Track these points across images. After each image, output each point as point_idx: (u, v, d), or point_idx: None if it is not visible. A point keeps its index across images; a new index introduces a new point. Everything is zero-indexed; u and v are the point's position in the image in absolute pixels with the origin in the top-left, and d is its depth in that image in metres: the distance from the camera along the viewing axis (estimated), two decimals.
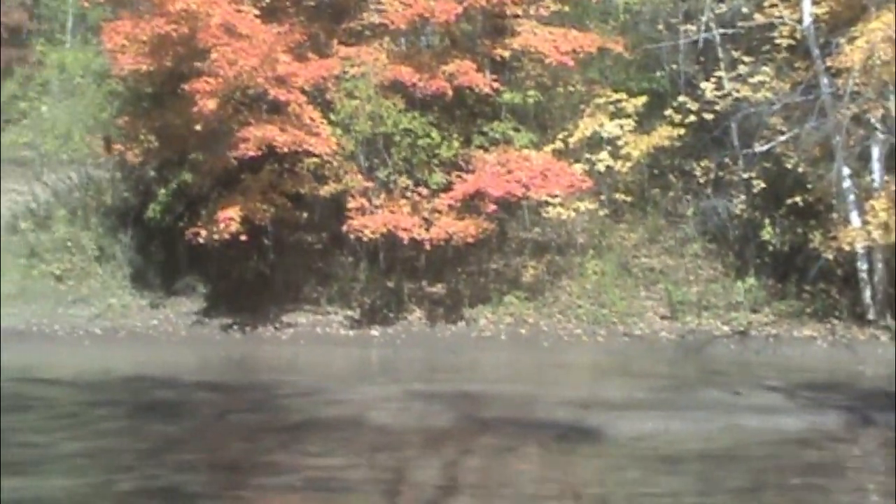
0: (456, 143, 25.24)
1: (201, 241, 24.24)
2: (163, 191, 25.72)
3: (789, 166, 24.46)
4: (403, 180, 25.00)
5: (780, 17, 24.40)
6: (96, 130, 27.67)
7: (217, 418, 16.99)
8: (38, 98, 31.89)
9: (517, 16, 25.77)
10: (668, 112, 25.41)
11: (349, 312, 25.63)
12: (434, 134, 25.06)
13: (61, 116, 30.28)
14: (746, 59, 24.77)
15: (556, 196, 25.05)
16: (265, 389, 19.13)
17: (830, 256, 23.59)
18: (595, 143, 25.87)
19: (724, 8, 25.48)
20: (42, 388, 19.82)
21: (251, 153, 23.78)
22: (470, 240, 24.42)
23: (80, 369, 22.04)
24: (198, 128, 24.26)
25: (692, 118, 25.02)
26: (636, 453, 14.50)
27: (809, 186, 24.57)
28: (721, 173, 26.04)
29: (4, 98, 31.78)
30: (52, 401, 18.77)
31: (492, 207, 24.52)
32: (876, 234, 22.86)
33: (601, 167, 25.56)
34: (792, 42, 24.41)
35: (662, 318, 24.94)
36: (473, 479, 13.04)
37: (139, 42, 24.53)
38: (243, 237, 23.99)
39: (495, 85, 25.37)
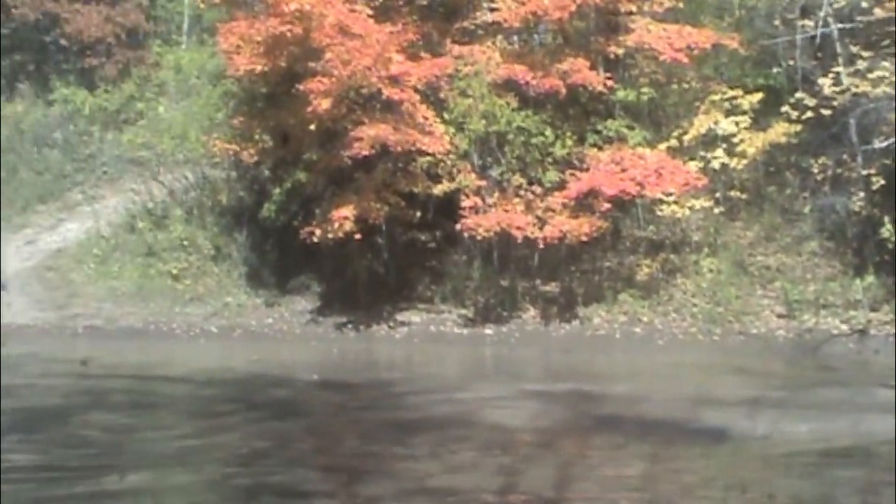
0: (569, 142, 25.09)
1: (315, 240, 24.33)
2: (277, 190, 25.89)
3: None
4: (517, 179, 24.91)
5: None
6: (212, 131, 27.91)
7: (332, 416, 17.08)
8: (155, 99, 32.29)
9: (631, 13, 25.55)
10: (785, 109, 25.02)
11: (463, 311, 25.60)
12: (548, 132, 24.94)
13: (177, 117, 30.63)
14: (865, 54, 24.31)
15: (671, 194, 24.79)
16: (379, 387, 19.20)
17: None
18: (710, 140, 25.57)
19: (842, 2, 25.02)
20: (159, 385, 20.09)
21: (365, 152, 23.82)
22: (584, 238, 24.25)
23: (197, 367, 22.29)
24: (312, 127, 24.38)
25: (809, 115, 24.58)
26: (756, 452, 14.31)
27: None
28: (839, 170, 25.57)
29: (122, 99, 32.24)
30: (169, 398, 19.03)
31: (606, 206, 24.32)
32: None
33: (716, 165, 25.26)
34: None
35: (779, 316, 24.58)
36: (589, 479, 12.95)
37: (254, 43, 24.72)
38: (357, 236, 24.05)
39: (609, 83, 25.17)
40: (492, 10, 25.35)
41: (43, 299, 26.64)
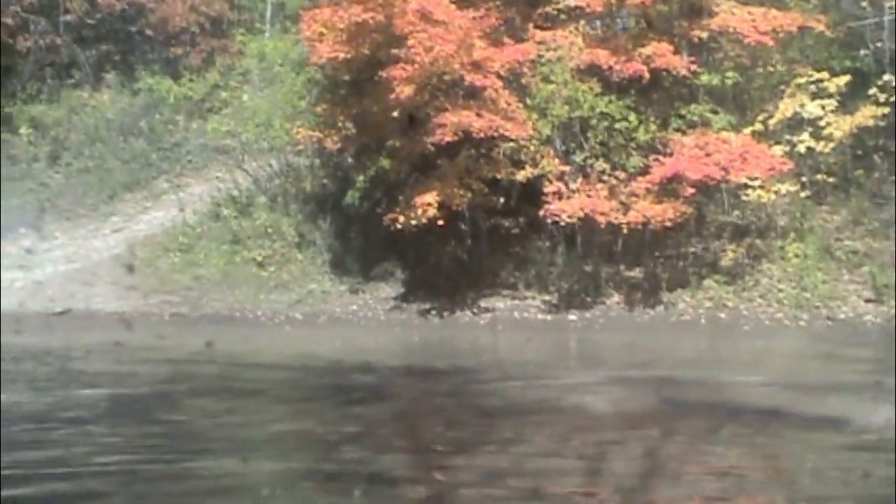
0: (653, 126, 24.98)
1: (399, 226, 24.39)
2: (361, 177, 25.98)
3: None
4: (600, 164, 24.84)
5: None
6: (295, 118, 28.03)
7: (417, 402, 17.10)
8: (240, 87, 32.52)
9: None
10: (873, 91, 24.76)
11: (546, 297, 25.58)
12: (631, 117, 24.84)
13: (261, 105, 30.82)
14: None
15: (756, 178, 24.60)
16: (464, 374, 19.19)
17: None
18: (796, 124, 25.35)
19: None
20: (246, 372, 20.21)
21: (448, 139, 23.85)
22: (668, 223, 24.14)
23: (283, 354, 22.40)
24: (395, 114, 24.46)
25: None
26: (846, 438, 14.14)
27: None
28: None
29: (207, 88, 32.46)
30: (255, 384, 19.13)
31: (690, 191, 24.18)
32: None
33: (802, 149, 25.05)
34: None
35: (867, 301, 24.32)
36: (679, 464, 12.86)
37: (337, 30, 24.81)
38: (440, 222, 24.09)
39: (693, 67, 25.03)
40: None
41: (129, 287, 26.90)
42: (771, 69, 26.62)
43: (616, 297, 25.40)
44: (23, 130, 31.45)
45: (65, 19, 32.21)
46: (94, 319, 25.16)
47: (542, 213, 24.51)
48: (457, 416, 15.67)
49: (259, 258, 27.29)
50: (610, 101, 24.79)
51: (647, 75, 24.49)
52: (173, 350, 22.14)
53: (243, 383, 19.02)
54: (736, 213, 26.42)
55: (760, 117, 25.45)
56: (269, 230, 27.71)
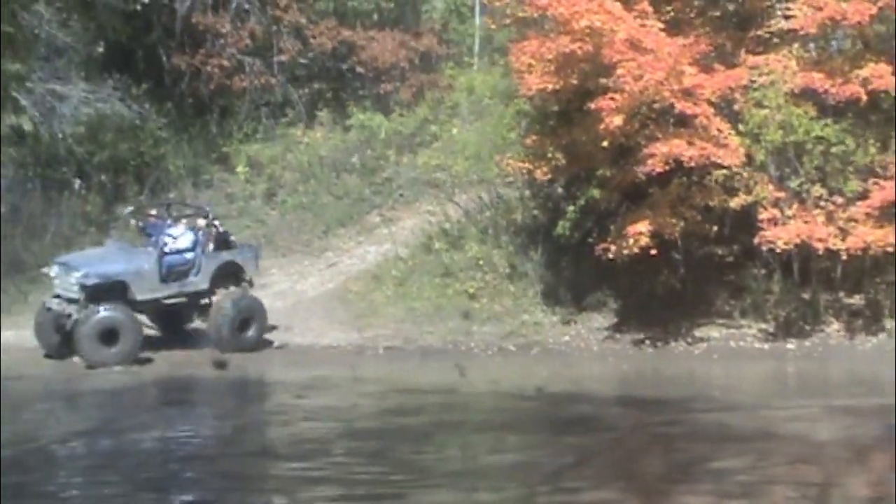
0: (872, 150, 24.33)
1: (611, 256, 24.21)
2: (571, 207, 25.88)
3: None
4: (817, 189, 24.29)
5: None
6: (505, 150, 28.09)
7: (635, 432, 16.95)
8: (449, 121, 32.71)
9: None
10: None
11: (763, 325, 25.09)
12: (848, 140, 24.23)
13: (471, 138, 30.94)
14: None
15: None
16: (680, 403, 18.97)
17: None
18: None
19: None
20: (460, 403, 20.32)
21: (659, 168, 23.64)
22: (889, 249, 23.49)
23: (496, 386, 22.43)
24: (605, 144, 24.28)
25: None
26: None
27: None
28: None
29: (417, 122, 32.76)
30: (469, 416, 19.23)
31: None
32: None
33: None
34: None
35: None
36: None
37: (545, 61, 24.77)
38: (653, 251, 23.83)
39: None
40: (787, 17, 24.77)
41: (344, 321, 27.21)
42: None
43: (836, 325, 24.80)
44: (239, 169, 32.18)
45: (278, 59, 32.89)
46: (309, 353, 25.53)
47: (756, 240, 24.06)
48: (676, 445, 15.51)
49: (471, 290, 27.34)
50: (826, 125, 24.23)
51: (864, 97, 23.88)
52: (387, 383, 22.41)
53: (456, 414, 19.14)
54: None
55: None
56: (481, 262, 27.75)
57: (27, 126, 26.01)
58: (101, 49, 31.17)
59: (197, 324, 25.61)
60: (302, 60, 33.50)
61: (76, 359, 23.86)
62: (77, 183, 30.12)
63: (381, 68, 33.19)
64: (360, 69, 33.53)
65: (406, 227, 30.08)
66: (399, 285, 27.88)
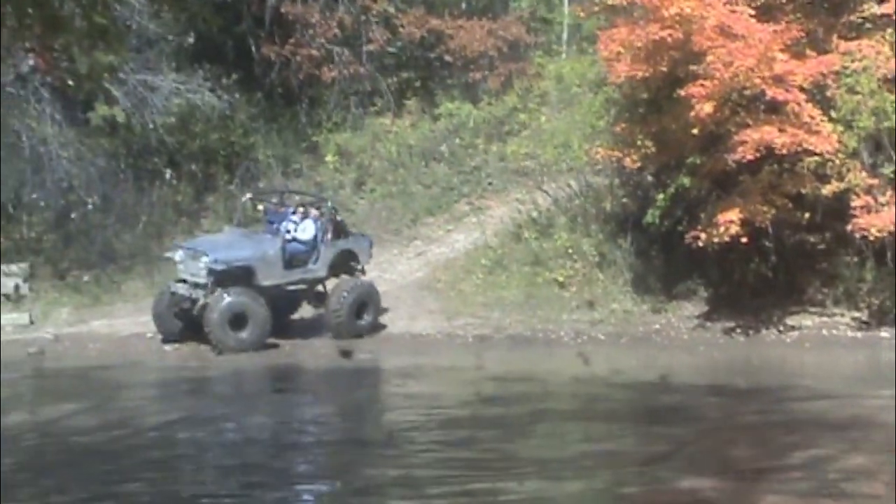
0: None
1: (701, 244, 24.08)
2: (661, 195, 25.75)
3: None
4: None
5: None
6: (594, 138, 28.00)
7: (726, 421, 16.85)
8: (538, 109, 32.64)
9: None
10: None
11: (856, 314, 24.83)
12: None
13: (560, 126, 30.87)
14: None
15: None
16: (773, 392, 18.83)
17: None
18: None
19: None
20: (551, 391, 20.32)
21: (749, 156, 23.45)
22: None
23: (586, 373, 22.40)
24: (694, 131, 24.13)
25: None
26: None
27: None
28: None
29: (505, 111, 32.73)
30: (559, 403, 19.22)
31: None
32: None
33: None
34: None
35: None
36: None
37: (634, 49, 24.66)
38: (744, 239, 23.67)
39: None
40: (880, 2, 24.48)
41: (433, 309, 27.27)
42: None
43: None
44: (329, 158, 32.33)
45: (367, 49, 32.97)
46: (397, 342, 25.62)
47: (849, 227, 23.82)
48: (769, 434, 15.40)
49: (560, 278, 27.29)
50: None
51: None
52: (477, 371, 22.48)
53: (546, 402, 19.14)
54: None
55: None
56: (570, 250, 27.68)
57: (120, 117, 26.22)
58: (191, 40, 31.42)
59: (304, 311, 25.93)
60: (390, 49, 33.55)
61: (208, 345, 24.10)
62: (168, 173, 30.40)
63: (470, 57, 33.16)
64: (448, 58, 33.51)
65: (495, 216, 30.06)
66: (488, 274, 27.89)
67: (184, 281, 24.43)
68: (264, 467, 15.56)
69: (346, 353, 22.78)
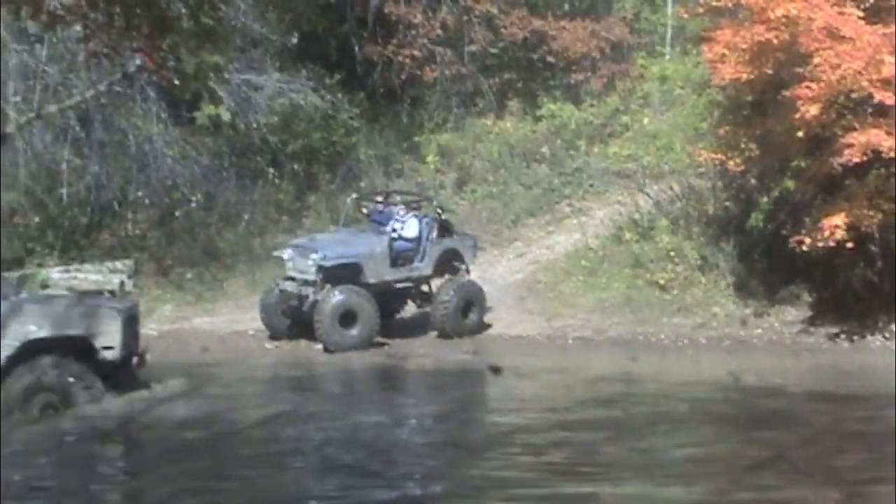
0: None
1: (805, 248, 23.81)
2: (765, 199, 25.53)
3: None
4: None
5: None
6: (697, 141, 27.80)
7: (830, 428, 16.63)
8: (640, 111, 32.50)
9: None
10: None
11: None
12: None
13: (662, 128, 30.71)
14: None
15: None
16: (878, 399, 18.54)
17: None
18: None
19: None
20: (650, 395, 20.18)
21: (856, 159, 23.14)
22: None
23: (688, 378, 22.22)
24: (799, 134, 23.86)
25: None
26: None
27: None
28: None
29: (607, 112, 32.62)
30: (661, 408, 19.07)
31: None
32: None
33: None
34: None
35: None
36: None
37: (739, 50, 24.46)
38: (849, 244, 23.38)
39: None
40: None
41: (533, 311, 27.23)
42: None
43: None
44: (430, 159, 32.42)
45: (469, 49, 32.98)
46: (498, 343, 25.61)
47: None
48: (875, 443, 15.17)
49: (661, 281, 27.12)
50: None
51: None
52: (576, 373, 22.37)
53: (647, 407, 19.01)
54: None
55: None
56: (672, 253, 27.51)
57: (225, 116, 26.45)
58: (295, 40, 31.63)
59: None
60: (493, 50, 33.55)
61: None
62: (270, 172, 30.63)
63: (572, 58, 33.06)
64: (550, 59, 33.44)
65: (596, 218, 29.97)
66: (589, 276, 27.83)
67: (292, 278, 24.60)
68: (364, 468, 15.64)
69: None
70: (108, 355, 17.42)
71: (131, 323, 18.33)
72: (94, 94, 27.54)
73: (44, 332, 17.24)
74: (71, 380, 17.12)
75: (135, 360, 18.42)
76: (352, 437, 17.10)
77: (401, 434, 18.17)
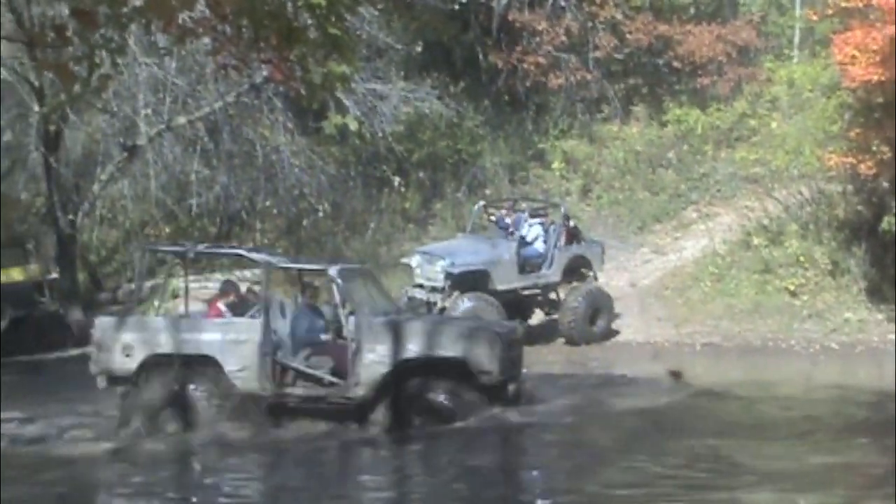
0: None
1: None
2: None
3: None
4: None
5: None
6: (827, 144, 27.42)
7: None
8: (768, 115, 32.16)
9: None
10: None
11: None
12: None
13: (791, 132, 30.32)
14: None
15: None
16: None
17: None
18: None
19: None
20: (782, 401, 19.91)
21: None
22: None
23: (820, 384, 21.89)
24: None
25: None
26: None
27: None
28: None
29: (734, 117, 32.35)
30: (794, 414, 18.81)
31: None
32: None
33: None
34: None
35: None
36: None
37: (870, 52, 24.10)
38: None
39: None
40: None
41: (661, 317, 27.06)
42: None
43: None
44: (555, 165, 32.41)
45: (594, 55, 32.91)
46: (626, 349, 25.48)
47: None
48: None
49: (791, 287, 26.79)
50: None
51: None
52: (705, 380, 22.11)
53: (784, 413, 18.76)
54: None
55: None
56: (801, 258, 27.16)
57: (352, 126, 26.68)
58: (419, 49, 31.79)
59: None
60: (617, 56, 33.44)
61: None
62: (396, 180, 30.85)
63: (698, 62, 32.84)
64: (676, 64, 33.26)
65: (723, 223, 29.73)
66: (717, 281, 27.61)
67: (420, 286, 24.69)
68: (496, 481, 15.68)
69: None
70: (485, 380, 17.02)
71: (512, 347, 17.78)
72: (222, 106, 27.99)
73: (416, 352, 16.96)
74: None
75: (510, 387, 17.68)
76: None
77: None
